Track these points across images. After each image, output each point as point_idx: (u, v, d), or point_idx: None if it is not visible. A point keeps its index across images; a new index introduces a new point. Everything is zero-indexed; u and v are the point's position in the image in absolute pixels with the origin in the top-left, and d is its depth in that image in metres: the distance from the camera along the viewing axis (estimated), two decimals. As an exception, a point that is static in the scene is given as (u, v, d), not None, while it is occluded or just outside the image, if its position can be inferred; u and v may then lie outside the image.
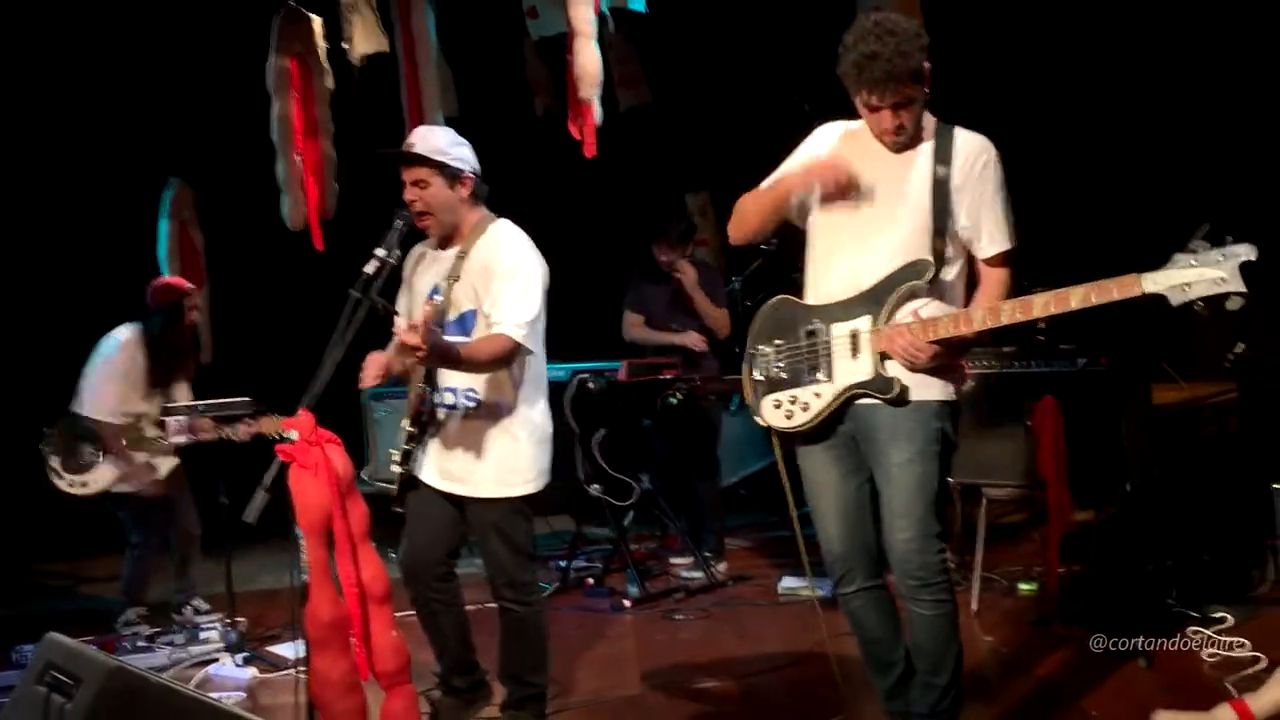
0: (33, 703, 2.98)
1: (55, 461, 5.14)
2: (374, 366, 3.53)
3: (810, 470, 3.26)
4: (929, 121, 3.14)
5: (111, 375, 5.18)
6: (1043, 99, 6.61)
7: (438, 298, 3.49)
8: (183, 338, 5.34)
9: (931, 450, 3.07)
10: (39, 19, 6.67)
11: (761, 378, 3.29)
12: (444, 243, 3.64)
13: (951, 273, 3.13)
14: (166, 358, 5.25)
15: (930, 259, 3.06)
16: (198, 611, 5.33)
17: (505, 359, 3.47)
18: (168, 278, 5.57)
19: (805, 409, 3.17)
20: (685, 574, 5.91)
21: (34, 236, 7.30)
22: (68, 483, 5.14)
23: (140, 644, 4.93)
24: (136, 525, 5.33)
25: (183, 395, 5.34)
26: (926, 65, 2.99)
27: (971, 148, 3.11)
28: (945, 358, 3.05)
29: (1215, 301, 2.77)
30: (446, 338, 3.46)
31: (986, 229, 3.10)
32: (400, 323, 3.63)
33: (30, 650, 4.55)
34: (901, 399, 3.06)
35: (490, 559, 3.62)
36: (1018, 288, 3.17)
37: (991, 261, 3.13)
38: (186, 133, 7.27)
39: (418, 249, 3.71)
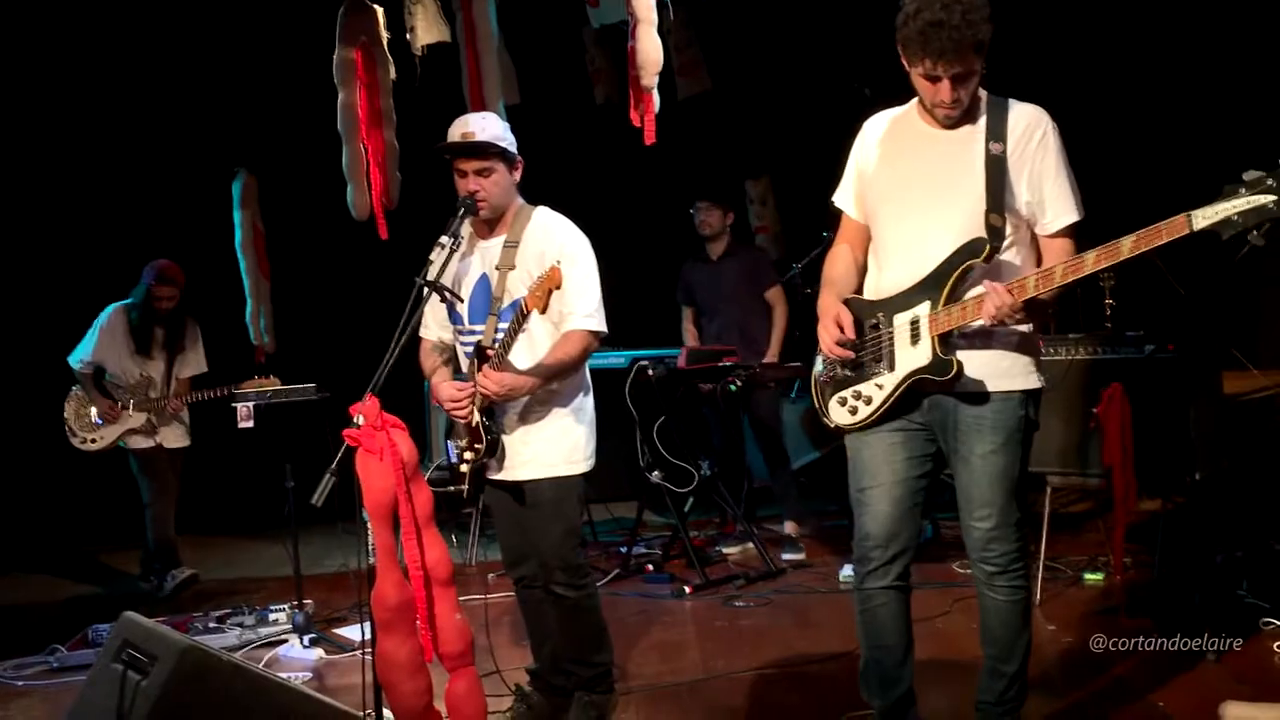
0: (110, 679, 3.07)
1: (71, 421, 6.08)
2: (450, 390, 3.56)
3: (867, 457, 3.19)
4: (980, 96, 3.07)
5: (98, 332, 6.07)
6: (1095, 59, 6.50)
7: (496, 344, 3.47)
8: (151, 312, 6.06)
9: (1016, 439, 3.04)
10: (112, 11, 6.81)
11: (827, 378, 3.27)
12: (486, 229, 3.63)
13: (1012, 251, 3.06)
14: (142, 326, 6.06)
15: (986, 236, 2.98)
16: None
17: (589, 351, 3.54)
18: (160, 260, 6.13)
19: (868, 402, 3.14)
20: (723, 549, 6.01)
21: (100, 227, 7.47)
22: (80, 440, 6.09)
23: (211, 625, 5.05)
24: (147, 483, 6.07)
25: (168, 367, 6.15)
26: (988, 32, 2.87)
27: (1026, 120, 3.03)
28: (1025, 318, 2.97)
29: (1273, 231, 2.60)
30: (500, 324, 3.49)
31: (1050, 202, 3.02)
32: (426, 335, 3.74)
33: (106, 629, 4.67)
34: (958, 379, 3.00)
35: (544, 539, 3.60)
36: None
37: (1057, 235, 3.04)
38: (253, 124, 7.38)
39: (444, 239, 3.53)
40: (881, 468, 3.16)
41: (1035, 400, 3.10)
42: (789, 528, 6.16)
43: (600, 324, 3.53)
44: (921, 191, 3.08)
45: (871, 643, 3.24)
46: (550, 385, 3.53)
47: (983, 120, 3.05)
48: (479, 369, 3.47)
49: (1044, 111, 3.07)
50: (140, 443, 6.10)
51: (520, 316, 3.37)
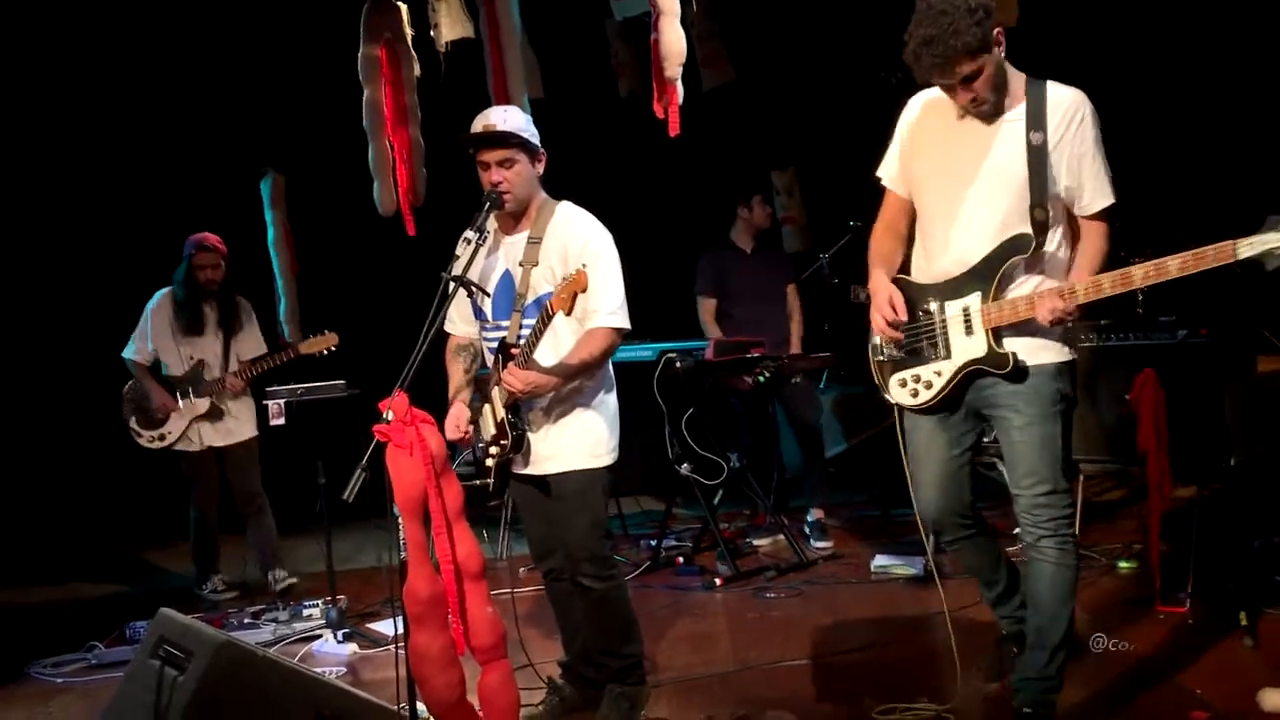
0: (147, 674, 3.11)
1: (134, 422, 5.83)
2: (457, 423, 3.63)
3: (917, 438, 3.44)
4: (1018, 81, 3.18)
5: (147, 320, 5.84)
6: (1134, 62, 6.43)
7: (521, 340, 3.48)
8: (196, 290, 5.80)
9: (1053, 411, 3.21)
10: (136, 11, 6.86)
11: (885, 358, 3.43)
12: (510, 224, 3.63)
13: (1055, 239, 3.20)
14: (189, 307, 5.81)
15: (1030, 232, 3.14)
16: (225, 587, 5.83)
17: (611, 349, 3.53)
18: (198, 233, 5.90)
19: (929, 387, 3.33)
20: (754, 541, 6.02)
21: (130, 228, 7.53)
22: (148, 439, 5.83)
23: (246, 621, 5.09)
24: (192, 489, 5.87)
25: (225, 347, 5.87)
26: (987, 33, 3.02)
27: (1065, 105, 3.14)
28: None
29: None
30: (525, 320, 3.50)
31: (1089, 185, 3.16)
32: (452, 330, 3.75)
33: (143, 626, 4.73)
34: (1017, 372, 3.19)
35: (570, 531, 3.62)
36: (1114, 259, 3.19)
37: (1094, 217, 3.18)
38: (279, 123, 7.42)
39: (469, 233, 3.58)
40: (928, 457, 3.43)
41: (1071, 374, 3.25)
42: (816, 514, 6.14)
43: (623, 321, 3.53)
44: (966, 180, 3.21)
45: (965, 565, 3.70)
46: (573, 382, 3.53)
47: (1021, 107, 3.16)
48: (504, 366, 3.47)
49: (1082, 94, 3.16)
50: (187, 444, 5.83)
51: (545, 317, 3.37)
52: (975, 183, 3.19)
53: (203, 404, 5.79)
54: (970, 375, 3.26)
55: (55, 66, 7.10)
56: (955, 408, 3.35)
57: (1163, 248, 4.30)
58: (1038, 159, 3.11)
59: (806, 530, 6.09)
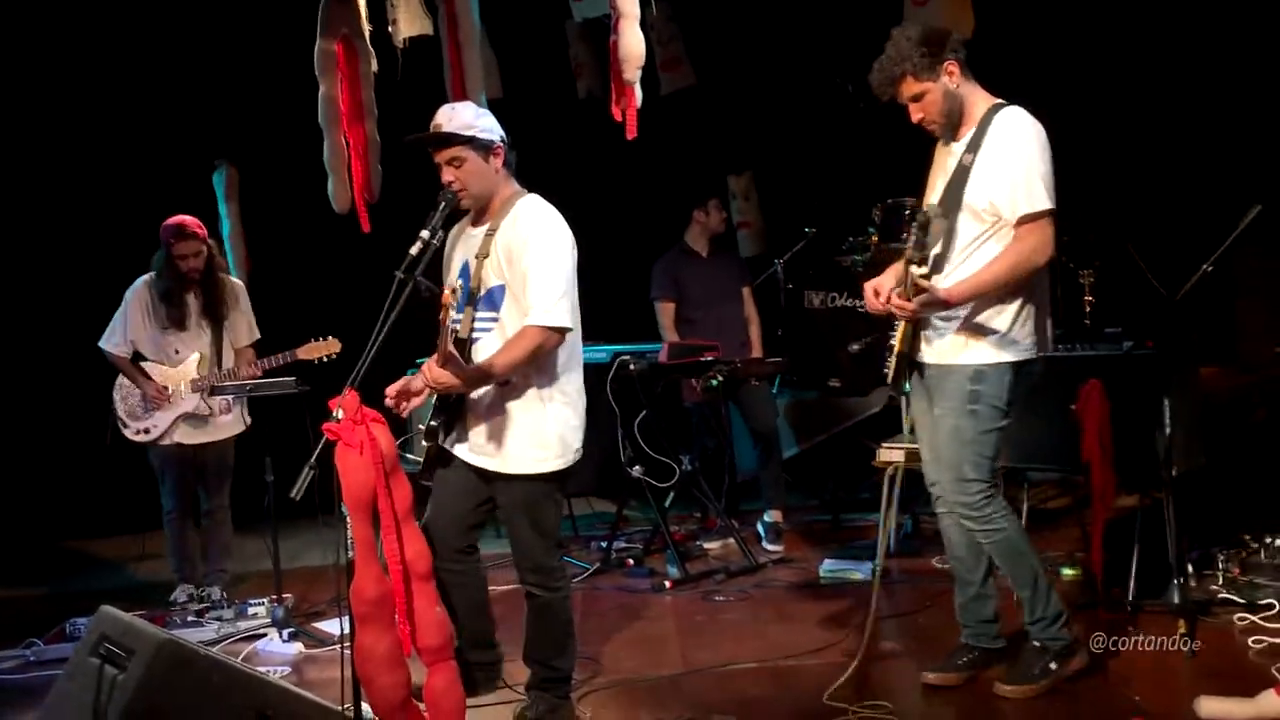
0: (86, 673, 3.06)
1: (121, 409, 5.44)
2: (401, 397, 3.61)
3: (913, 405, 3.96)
4: (981, 107, 3.61)
5: (126, 308, 5.44)
6: (1096, 77, 6.54)
7: (454, 326, 3.48)
8: (178, 278, 5.38)
9: (964, 409, 3.61)
10: (91, 3, 6.77)
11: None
12: (476, 218, 3.64)
13: (992, 242, 3.58)
14: (171, 296, 5.40)
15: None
16: (199, 597, 5.31)
17: (542, 348, 3.44)
18: (176, 217, 5.47)
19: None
20: (704, 544, 6.03)
21: (77, 220, 7.40)
22: (132, 430, 5.43)
23: (189, 619, 5.03)
24: (167, 488, 5.48)
25: (216, 338, 5.49)
26: (933, 63, 3.53)
27: (1001, 128, 3.56)
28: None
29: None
30: (477, 314, 3.49)
31: (1008, 196, 3.50)
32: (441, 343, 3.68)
33: (84, 623, 4.66)
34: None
35: (516, 542, 3.62)
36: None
37: (1018, 224, 3.52)
38: (233, 116, 7.34)
39: (457, 226, 3.72)
40: (920, 422, 3.89)
41: (989, 380, 3.59)
42: (774, 515, 6.17)
43: (560, 319, 3.42)
44: (936, 198, 3.69)
45: (948, 552, 3.95)
46: (494, 382, 3.49)
47: (971, 132, 3.60)
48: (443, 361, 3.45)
49: (1026, 117, 3.56)
50: (134, 437, 5.43)
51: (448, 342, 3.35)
52: (937, 200, 3.66)
53: (193, 399, 5.41)
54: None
55: (13, 54, 6.97)
56: (920, 386, 3.81)
57: (1111, 259, 4.38)
58: (962, 179, 3.57)
59: (761, 531, 6.12)
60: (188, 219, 5.42)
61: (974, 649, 3.90)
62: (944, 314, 3.62)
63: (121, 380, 5.47)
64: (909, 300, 3.50)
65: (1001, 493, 3.72)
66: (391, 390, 3.60)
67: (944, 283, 3.58)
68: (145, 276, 5.48)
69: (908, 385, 3.82)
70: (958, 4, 5.39)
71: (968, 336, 3.62)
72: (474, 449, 3.60)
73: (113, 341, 5.43)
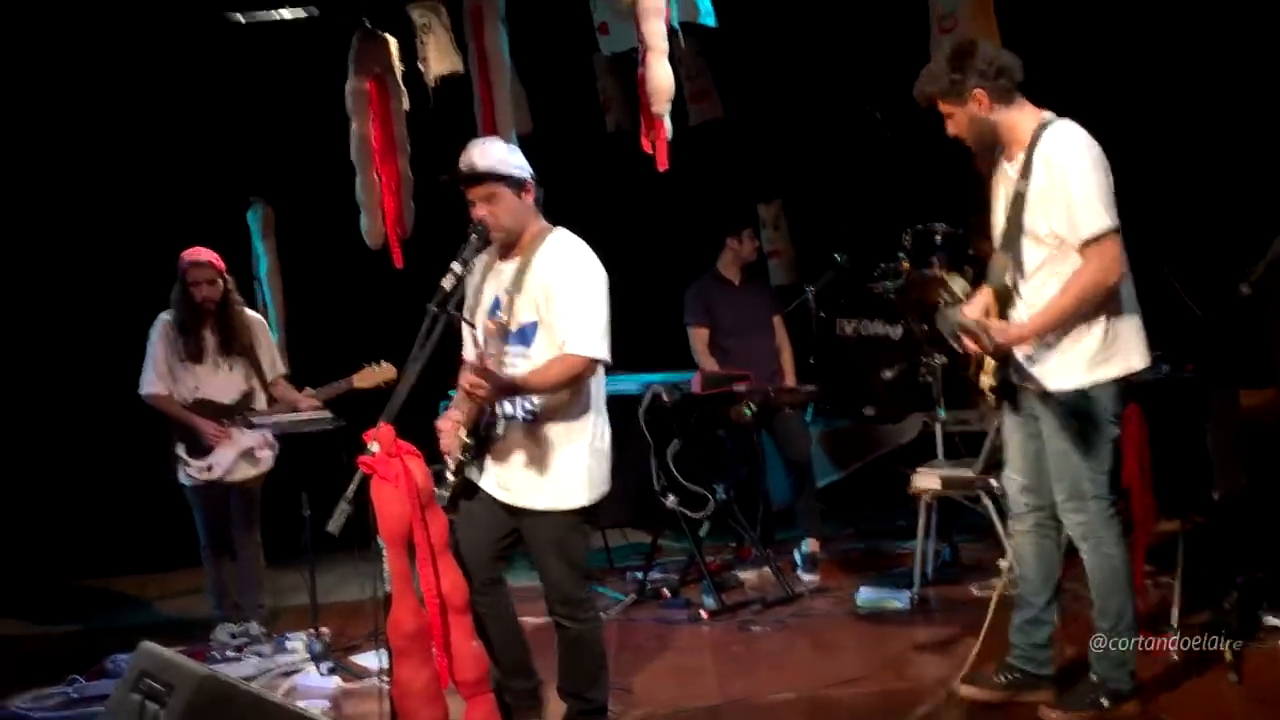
0: (128, 709, 3.08)
1: (181, 449, 5.32)
2: (449, 435, 3.60)
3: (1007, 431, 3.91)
4: (1028, 128, 3.57)
5: (153, 348, 5.32)
6: (1130, 96, 6.51)
7: (498, 315, 3.51)
8: (193, 310, 5.28)
9: (1071, 429, 3.58)
10: (125, 42, 6.88)
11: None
12: (505, 252, 3.65)
13: (1049, 268, 3.55)
14: (188, 330, 5.29)
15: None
16: (240, 634, 5.25)
17: (578, 378, 3.48)
18: (189, 249, 5.38)
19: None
20: (739, 574, 5.96)
21: (113, 258, 7.48)
22: (196, 469, 5.30)
23: (229, 654, 5.05)
24: (201, 524, 5.42)
25: (255, 371, 5.42)
26: (960, 87, 3.56)
27: (1049, 149, 3.50)
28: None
29: None
30: (508, 349, 3.51)
31: (1069, 222, 3.45)
32: (468, 357, 3.69)
33: (125, 659, 4.67)
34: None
35: (545, 574, 3.62)
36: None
37: (1081, 249, 3.46)
38: (267, 154, 7.44)
39: (483, 258, 3.71)
40: (1008, 436, 3.88)
41: (1089, 394, 3.55)
42: (811, 545, 6.13)
43: (597, 350, 3.47)
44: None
45: (1018, 571, 3.94)
46: (546, 409, 3.52)
47: (1021, 156, 3.57)
48: None
49: (1069, 131, 3.52)
50: (233, 476, 5.34)
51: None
52: (1001, 231, 3.70)
53: (254, 435, 5.31)
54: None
55: (40, 92, 7.09)
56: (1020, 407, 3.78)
57: (1147, 280, 4.36)
58: (1019, 206, 3.56)
59: (797, 560, 6.08)
60: (203, 249, 5.34)
61: (1019, 670, 3.85)
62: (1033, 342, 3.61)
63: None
64: (985, 345, 3.50)
65: (1119, 518, 3.68)
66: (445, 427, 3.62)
67: (1020, 313, 3.62)
68: (164, 314, 5.37)
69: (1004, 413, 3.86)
70: (983, 27, 5.39)
71: (1061, 361, 3.58)
72: (501, 484, 3.60)
73: (149, 382, 5.28)
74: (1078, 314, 3.49)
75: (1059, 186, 3.45)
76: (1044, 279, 3.56)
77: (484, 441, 3.62)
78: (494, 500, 3.62)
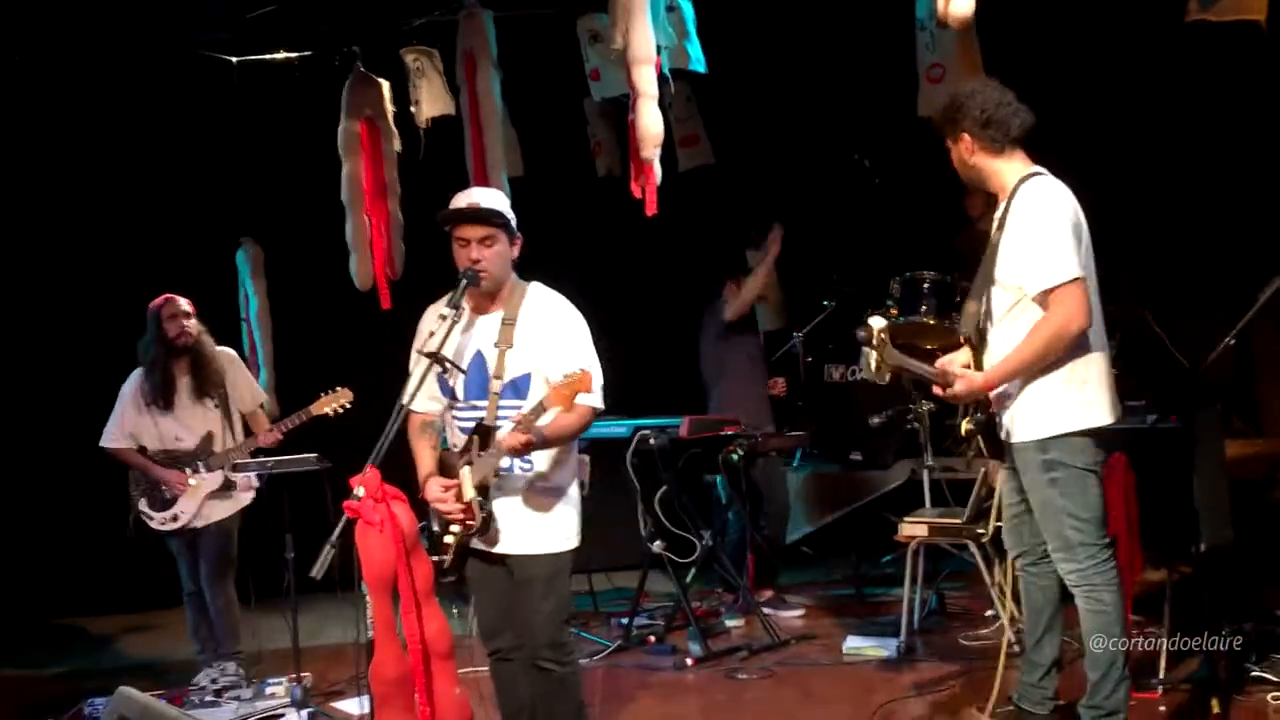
0: (104, 756, 3.04)
1: (144, 504, 5.33)
2: (449, 500, 3.52)
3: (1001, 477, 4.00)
4: (1013, 181, 3.65)
5: (122, 403, 5.37)
6: (1115, 146, 6.59)
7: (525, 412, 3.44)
8: (166, 349, 5.30)
9: (1045, 479, 3.60)
10: (119, 83, 6.90)
11: None
12: (482, 303, 3.60)
13: (1024, 315, 3.58)
14: (159, 373, 5.30)
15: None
16: (221, 679, 5.21)
17: (587, 427, 3.53)
18: (160, 297, 5.43)
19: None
20: (726, 621, 5.95)
21: (98, 298, 7.45)
22: (159, 521, 5.30)
23: (208, 699, 4.99)
24: (182, 569, 5.42)
25: (224, 413, 5.41)
26: (954, 125, 3.66)
27: (1021, 202, 3.60)
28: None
29: None
30: (502, 403, 3.50)
31: (1028, 272, 3.53)
32: (420, 409, 3.63)
33: (102, 704, 4.62)
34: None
35: (533, 616, 3.55)
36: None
37: (1043, 299, 3.51)
38: (257, 194, 7.44)
39: (435, 311, 3.61)
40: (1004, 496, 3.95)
41: (1061, 444, 3.56)
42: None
43: (600, 400, 3.51)
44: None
45: (1024, 610, 3.96)
46: (546, 461, 3.52)
47: (1001, 208, 3.67)
48: (483, 447, 3.45)
49: (1043, 184, 3.58)
50: (202, 521, 5.33)
51: (539, 410, 3.34)
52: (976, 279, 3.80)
53: (216, 479, 5.32)
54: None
55: (27, 130, 7.09)
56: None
57: (1132, 330, 4.36)
58: (993, 255, 3.65)
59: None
60: (172, 296, 5.40)
61: (1017, 706, 3.90)
62: (1003, 393, 3.65)
63: (137, 478, 5.37)
64: (944, 389, 3.64)
65: (1113, 564, 3.65)
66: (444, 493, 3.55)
67: (989, 361, 3.68)
68: (136, 370, 5.41)
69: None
70: (970, 77, 5.45)
71: (1030, 411, 3.62)
72: (500, 541, 3.56)
73: (110, 437, 5.35)
74: (1040, 362, 3.53)
75: (1023, 238, 3.53)
76: (1009, 328, 3.61)
77: (488, 502, 3.54)
78: (493, 557, 3.59)
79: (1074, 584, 3.63)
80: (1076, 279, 3.47)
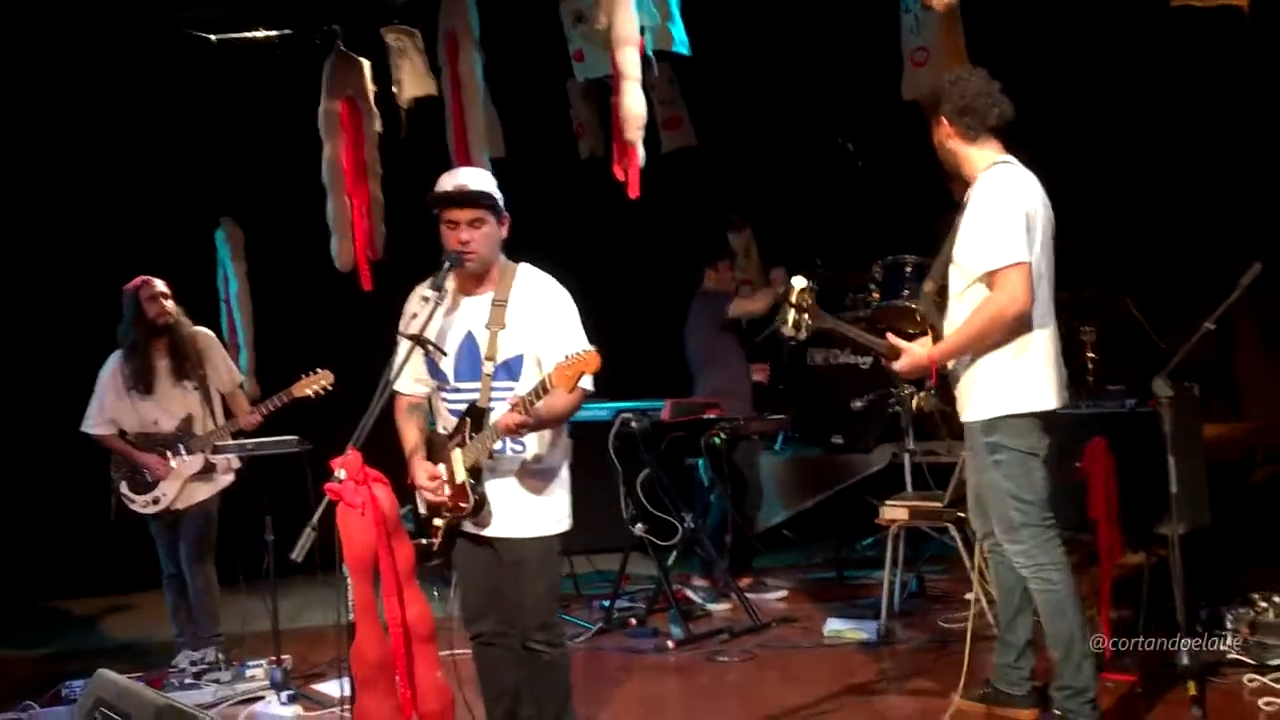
0: (83, 738, 3.02)
1: (125, 487, 5.33)
2: (436, 487, 3.51)
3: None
4: (979, 167, 3.75)
5: (102, 388, 5.34)
6: (1094, 132, 6.60)
7: (524, 395, 3.40)
8: (146, 330, 5.29)
9: (989, 461, 3.70)
10: (95, 59, 6.82)
11: None
12: (469, 285, 3.58)
13: (976, 290, 3.69)
14: (139, 356, 5.29)
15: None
16: (200, 661, 5.20)
17: (578, 409, 3.50)
18: (136, 279, 5.40)
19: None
20: (704, 600, 5.96)
21: (78, 279, 7.38)
22: (140, 504, 5.32)
23: (187, 681, 4.97)
24: (162, 552, 5.42)
25: (203, 395, 5.39)
26: (935, 106, 3.77)
27: (977, 188, 3.73)
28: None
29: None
30: (495, 385, 3.48)
31: (974, 253, 3.67)
32: (405, 389, 3.62)
33: (80, 686, 4.61)
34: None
35: (525, 598, 3.54)
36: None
37: (988, 280, 3.63)
38: (236, 174, 7.38)
39: (419, 292, 3.58)
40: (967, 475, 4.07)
41: (1005, 425, 3.66)
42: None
43: (590, 383, 3.46)
44: None
45: (996, 590, 4.05)
46: (538, 443, 3.51)
47: (969, 193, 3.76)
48: (474, 429, 3.44)
49: (1000, 172, 3.71)
50: (185, 503, 5.33)
51: (541, 389, 3.30)
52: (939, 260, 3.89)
53: (197, 461, 5.31)
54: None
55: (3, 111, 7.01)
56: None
57: (1111, 315, 4.39)
58: (953, 238, 3.76)
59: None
60: (148, 278, 5.38)
61: (993, 687, 3.97)
62: (952, 372, 3.81)
63: (119, 460, 5.35)
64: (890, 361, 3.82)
65: (1058, 544, 3.70)
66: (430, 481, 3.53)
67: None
68: (115, 353, 5.39)
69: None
70: (955, 62, 5.45)
71: (974, 392, 3.75)
72: (491, 524, 3.55)
73: (91, 423, 5.33)
74: (980, 341, 3.64)
75: (974, 222, 3.66)
76: (960, 308, 3.75)
77: (481, 487, 3.53)
78: (483, 540, 3.58)
79: (1021, 565, 3.71)
80: (1020, 263, 3.57)
